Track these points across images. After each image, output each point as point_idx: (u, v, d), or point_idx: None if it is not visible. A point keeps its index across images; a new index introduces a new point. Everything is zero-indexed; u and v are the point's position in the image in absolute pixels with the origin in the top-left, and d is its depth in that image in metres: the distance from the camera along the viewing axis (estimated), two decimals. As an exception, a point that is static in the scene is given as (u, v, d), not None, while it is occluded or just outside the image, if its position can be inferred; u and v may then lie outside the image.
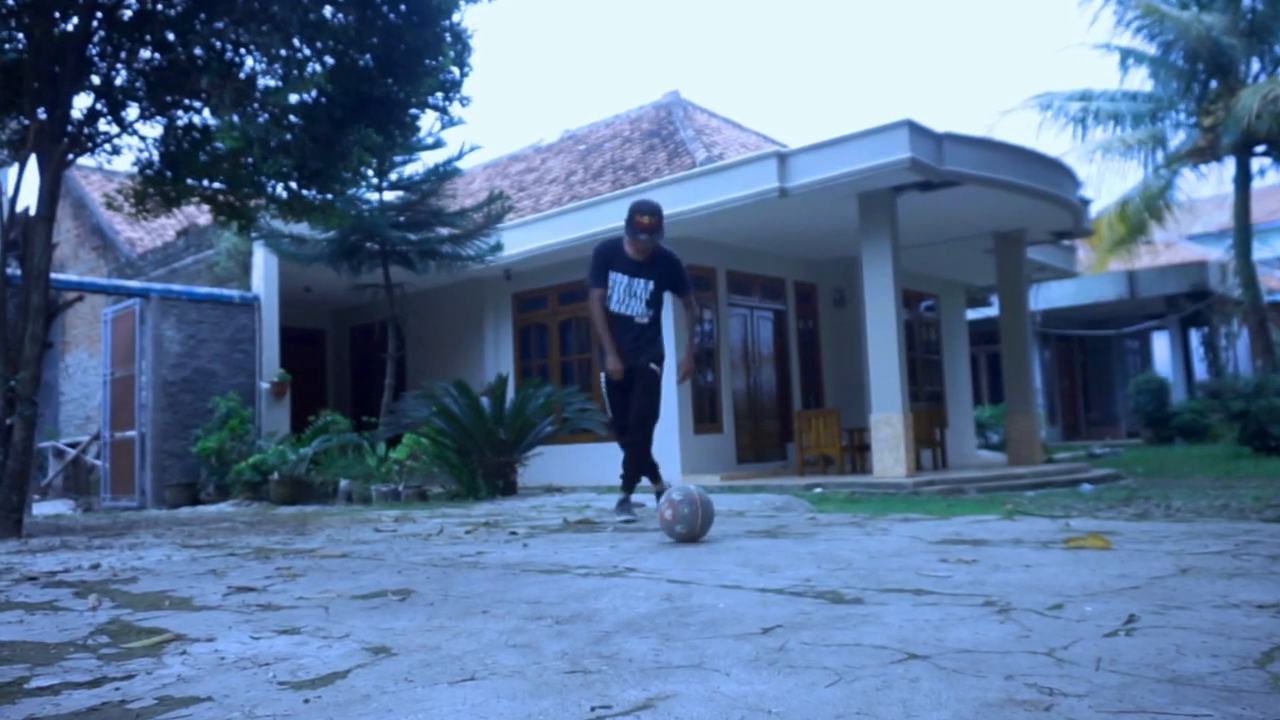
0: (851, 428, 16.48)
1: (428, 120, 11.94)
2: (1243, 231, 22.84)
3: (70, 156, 9.39)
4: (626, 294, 7.51)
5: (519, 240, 17.36)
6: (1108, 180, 29.09)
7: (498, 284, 19.20)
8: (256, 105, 9.44)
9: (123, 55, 9.53)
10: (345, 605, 3.79)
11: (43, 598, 4.37)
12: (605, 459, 15.94)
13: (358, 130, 9.65)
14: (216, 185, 10.51)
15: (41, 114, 8.95)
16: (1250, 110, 20.19)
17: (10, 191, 9.72)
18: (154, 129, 10.18)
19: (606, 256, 7.58)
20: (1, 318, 8.89)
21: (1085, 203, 18.44)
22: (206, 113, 9.89)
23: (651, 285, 7.54)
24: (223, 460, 15.82)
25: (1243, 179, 22.95)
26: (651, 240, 7.42)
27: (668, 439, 16.05)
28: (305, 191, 10.41)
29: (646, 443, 7.60)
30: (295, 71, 9.22)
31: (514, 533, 6.96)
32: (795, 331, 19.21)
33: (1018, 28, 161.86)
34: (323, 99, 9.61)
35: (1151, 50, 23.59)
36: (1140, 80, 24.58)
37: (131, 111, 9.85)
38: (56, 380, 21.71)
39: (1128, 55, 23.90)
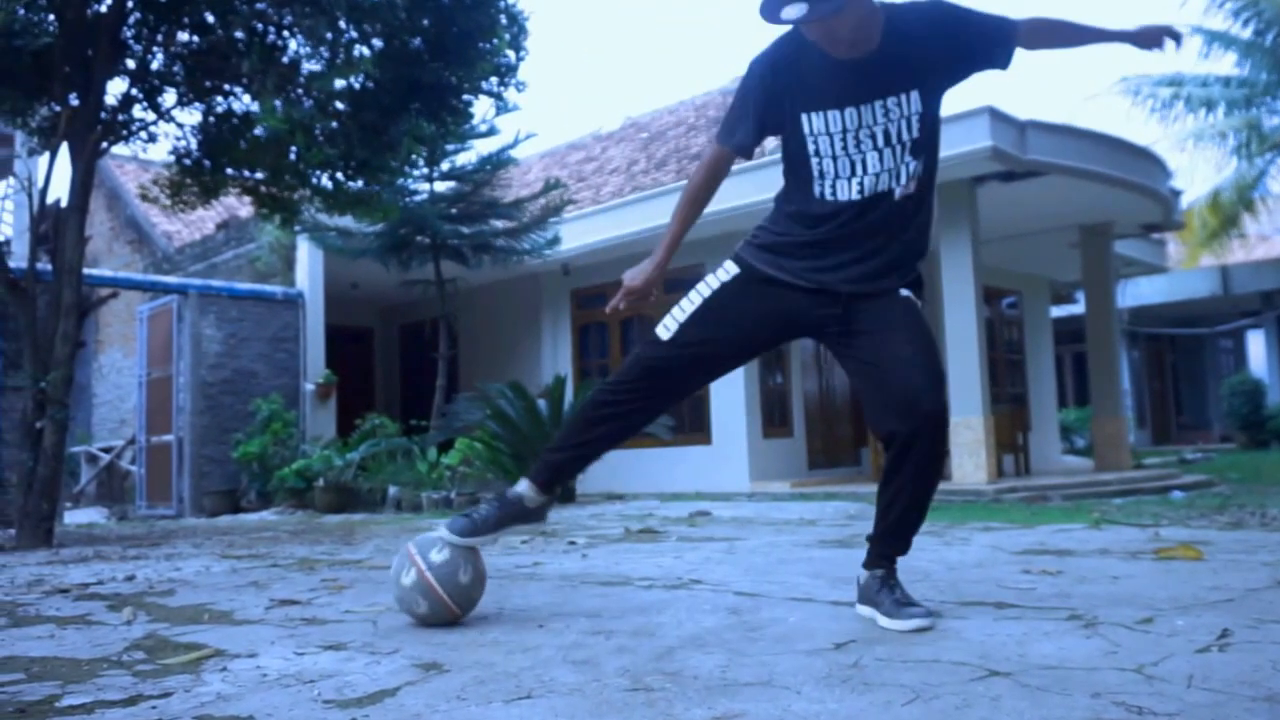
0: (928, 432, 16.32)
1: (481, 107, 11.94)
2: (1344, 224, 22.53)
3: (104, 145, 9.48)
4: (854, 146, 3.44)
5: (578, 233, 17.34)
6: (1200, 170, 28.83)
7: (555, 279, 19.22)
8: (300, 91, 9.50)
9: (159, 38, 9.60)
10: (394, 619, 3.80)
11: (75, 611, 4.42)
12: (670, 465, 15.96)
13: (407, 118, 9.67)
14: (258, 175, 10.58)
15: (73, 100, 9.04)
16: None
17: (40, 182, 9.81)
18: (192, 116, 10.26)
19: (771, 74, 3.48)
20: (31, 316, 8.96)
21: (1176, 194, 18.26)
22: (247, 99, 9.95)
23: (914, 101, 3.48)
24: (265, 466, 15.91)
25: (1342, 167, 22.65)
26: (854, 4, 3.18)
27: (734, 444, 16.02)
28: (351, 182, 10.45)
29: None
30: (341, 55, 9.24)
31: (573, 542, 6.98)
32: (869, 330, 19.07)
33: (1105, 10, 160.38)
34: (370, 84, 9.63)
35: (1247, 34, 23.26)
36: (1229, 64, 24.21)
37: (168, 97, 9.94)
38: (89, 381, 21.91)
39: (1214, 39, 23.53)
